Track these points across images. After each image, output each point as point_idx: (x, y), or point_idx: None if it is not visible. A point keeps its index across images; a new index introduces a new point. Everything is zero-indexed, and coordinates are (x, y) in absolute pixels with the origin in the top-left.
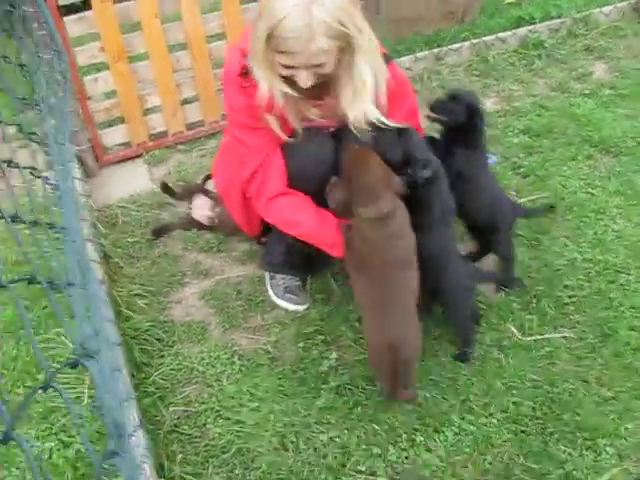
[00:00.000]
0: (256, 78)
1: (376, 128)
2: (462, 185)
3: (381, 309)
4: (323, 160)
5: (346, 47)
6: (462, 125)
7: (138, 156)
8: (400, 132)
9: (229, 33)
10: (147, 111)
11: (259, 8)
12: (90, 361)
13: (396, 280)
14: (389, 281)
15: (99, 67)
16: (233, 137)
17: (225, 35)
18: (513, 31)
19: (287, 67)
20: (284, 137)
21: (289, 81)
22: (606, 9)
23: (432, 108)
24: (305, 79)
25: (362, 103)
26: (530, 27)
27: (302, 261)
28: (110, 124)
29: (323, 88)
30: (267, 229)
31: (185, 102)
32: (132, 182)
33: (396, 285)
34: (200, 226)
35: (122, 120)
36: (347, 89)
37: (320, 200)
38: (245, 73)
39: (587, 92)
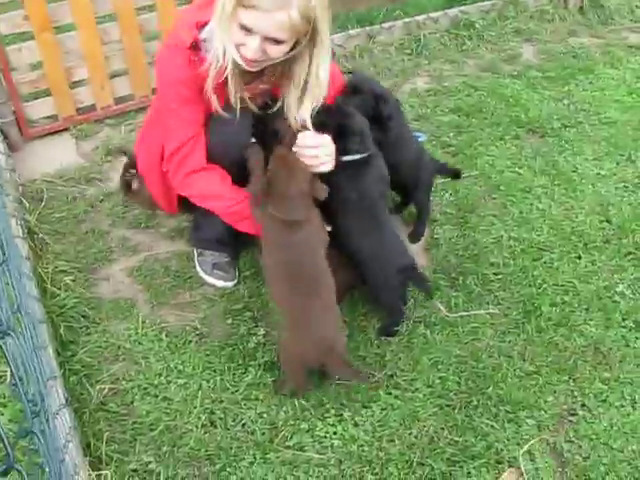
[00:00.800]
0: (210, 46)
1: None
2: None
3: (300, 310)
4: (242, 142)
5: (309, 39)
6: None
7: (65, 130)
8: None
9: (159, 5)
10: (74, 84)
11: None
12: (6, 338)
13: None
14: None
15: (24, 37)
16: (166, 109)
17: (155, 7)
18: (444, 11)
19: (245, 29)
20: (220, 110)
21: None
22: None
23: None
24: (254, 49)
25: (310, 103)
26: (461, 8)
27: (230, 237)
28: (36, 96)
29: (262, 74)
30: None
31: (114, 75)
32: (58, 156)
33: (306, 285)
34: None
35: (48, 93)
36: (296, 85)
37: (237, 179)
38: (195, 46)
39: (515, 73)
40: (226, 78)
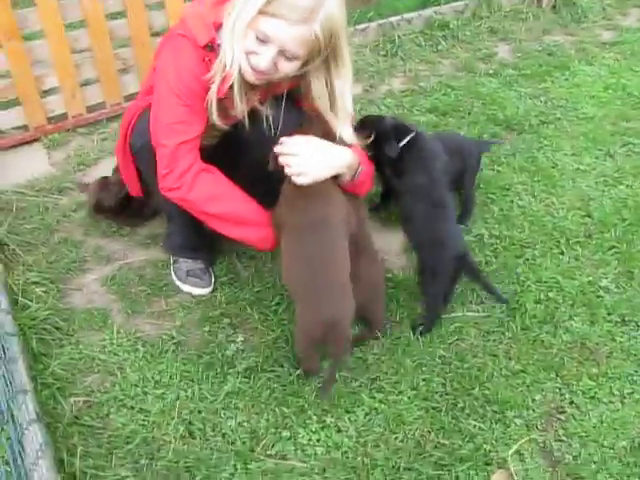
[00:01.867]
0: (221, 50)
1: None
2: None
3: (314, 286)
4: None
5: (325, 58)
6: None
7: (36, 140)
8: None
9: (130, 11)
10: (45, 93)
11: None
12: None
13: (323, 243)
14: (316, 243)
15: None
16: (164, 102)
17: (125, 13)
18: (418, 12)
19: (262, 38)
20: (219, 122)
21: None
22: None
23: None
24: (269, 60)
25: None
26: (435, 8)
27: (204, 243)
28: (5, 106)
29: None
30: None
31: (85, 83)
32: (30, 167)
33: (324, 249)
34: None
35: (18, 102)
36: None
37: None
38: (211, 47)
39: (491, 72)
40: (229, 88)
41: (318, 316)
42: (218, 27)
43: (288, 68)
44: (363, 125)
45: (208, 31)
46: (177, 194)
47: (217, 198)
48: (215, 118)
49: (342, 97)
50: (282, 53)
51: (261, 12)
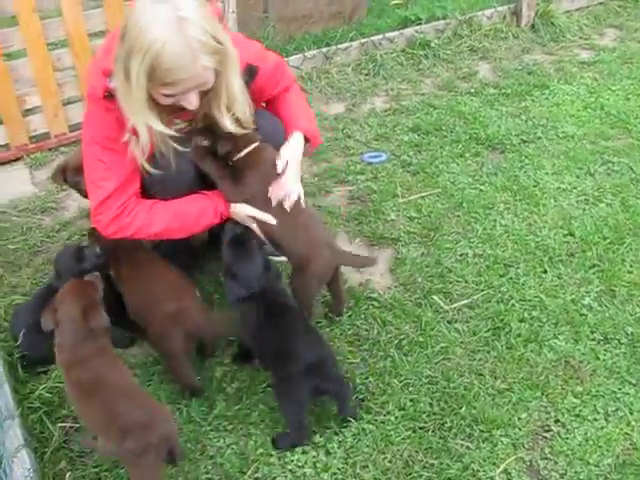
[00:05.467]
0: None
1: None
2: None
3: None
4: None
5: (221, 59)
6: None
7: (18, 159)
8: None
9: (112, 29)
10: (27, 112)
11: (125, 48)
12: None
13: None
14: None
15: None
16: (90, 156)
17: (107, 32)
18: (400, 31)
19: (170, 96)
20: (144, 163)
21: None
22: (488, 12)
23: None
24: (195, 101)
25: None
26: (416, 27)
27: (188, 260)
28: None
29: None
30: None
31: (68, 102)
32: (12, 186)
33: None
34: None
35: (0, 121)
36: (221, 100)
37: None
38: (109, 95)
39: (472, 91)
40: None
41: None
42: (109, 74)
43: (210, 83)
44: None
45: (99, 80)
46: (117, 235)
47: (153, 221)
48: (140, 156)
49: (233, 92)
50: (198, 87)
51: (157, 86)
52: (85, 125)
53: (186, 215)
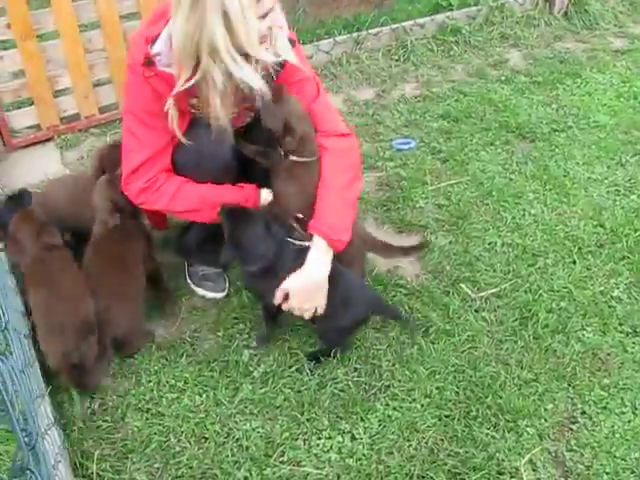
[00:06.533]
0: (166, 59)
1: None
2: None
3: None
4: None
5: None
6: None
7: (49, 139)
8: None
9: (144, 12)
10: (58, 93)
11: None
12: None
13: None
14: None
15: (6, 45)
16: (125, 125)
17: (139, 15)
18: (431, 17)
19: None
20: (179, 133)
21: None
22: None
23: None
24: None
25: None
26: (447, 13)
27: (215, 248)
28: (19, 106)
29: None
30: None
31: (98, 84)
32: (43, 166)
33: None
34: None
35: (31, 102)
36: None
37: None
38: (149, 62)
39: (503, 79)
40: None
41: None
42: (152, 40)
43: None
44: None
45: (142, 48)
46: (145, 206)
47: (178, 199)
48: (176, 126)
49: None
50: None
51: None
52: (124, 94)
53: (213, 202)
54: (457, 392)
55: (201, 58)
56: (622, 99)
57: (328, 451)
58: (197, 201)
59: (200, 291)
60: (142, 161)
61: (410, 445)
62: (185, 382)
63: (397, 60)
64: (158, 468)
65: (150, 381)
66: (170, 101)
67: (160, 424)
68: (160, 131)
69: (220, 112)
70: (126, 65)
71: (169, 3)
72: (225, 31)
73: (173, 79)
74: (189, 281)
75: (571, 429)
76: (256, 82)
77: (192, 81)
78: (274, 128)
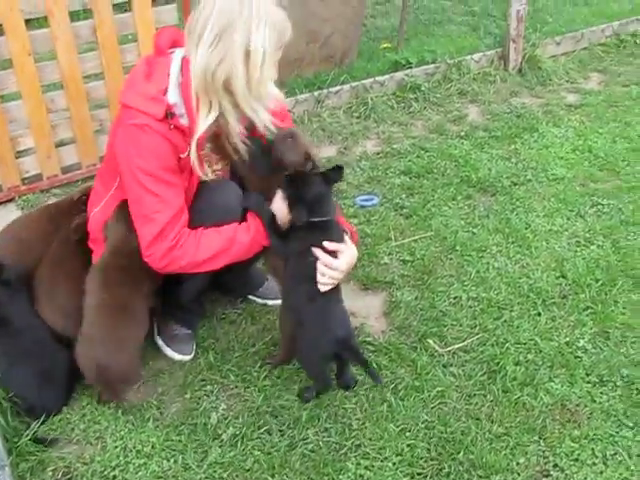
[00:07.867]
0: (182, 110)
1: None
2: None
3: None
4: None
5: None
6: None
7: (10, 200)
8: None
9: (107, 73)
10: (19, 153)
11: (234, 29)
12: None
13: None
14: None
15: None
16: (140, 190)
17: (102, 75)
18: (390, 75)
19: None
20: (203, 175)
21: None
22: (476, 56)
23: None
24: None
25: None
26: (407, 71)
27: (197, 309)
28: None
29: None
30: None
31: (60, 144)
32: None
33: None
34: None
35: None
36: None
37: None
38: (171, 115)
39: (463, 134)
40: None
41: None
42: (164, 93)
43: None
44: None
45: (158, 102)
46: (168, 268)
47: (202, 246)
48: (199, 170)
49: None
50: None
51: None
52: (133, 157)
53: (232, 237)
54: (428, 449)
55: (218, 92)
56: (577, 152)
57: None
58: (222, 240)
59: (169, 351)
60: (168, 220)
61: None
62: (152, 447)
63: (358, 117)
64: None
65: (116, 447)
66: (193, 146)
67: None
68: (179, 187)
69: (239, 143)
70: (131, 125)
71: (156, 61)
72: (245, 69)
73: (188, 131)
74: (158, 338)
75: None
76: (267, 119)
77: (211, 117)
78: (297, 160)
